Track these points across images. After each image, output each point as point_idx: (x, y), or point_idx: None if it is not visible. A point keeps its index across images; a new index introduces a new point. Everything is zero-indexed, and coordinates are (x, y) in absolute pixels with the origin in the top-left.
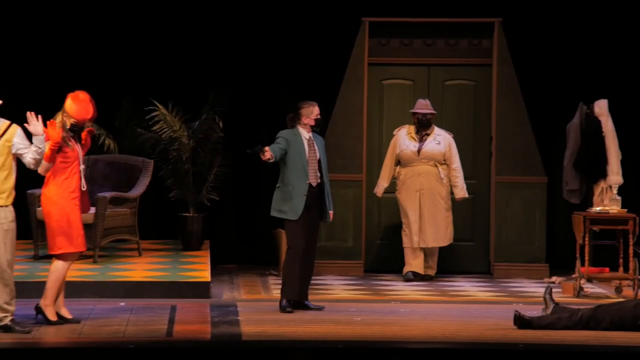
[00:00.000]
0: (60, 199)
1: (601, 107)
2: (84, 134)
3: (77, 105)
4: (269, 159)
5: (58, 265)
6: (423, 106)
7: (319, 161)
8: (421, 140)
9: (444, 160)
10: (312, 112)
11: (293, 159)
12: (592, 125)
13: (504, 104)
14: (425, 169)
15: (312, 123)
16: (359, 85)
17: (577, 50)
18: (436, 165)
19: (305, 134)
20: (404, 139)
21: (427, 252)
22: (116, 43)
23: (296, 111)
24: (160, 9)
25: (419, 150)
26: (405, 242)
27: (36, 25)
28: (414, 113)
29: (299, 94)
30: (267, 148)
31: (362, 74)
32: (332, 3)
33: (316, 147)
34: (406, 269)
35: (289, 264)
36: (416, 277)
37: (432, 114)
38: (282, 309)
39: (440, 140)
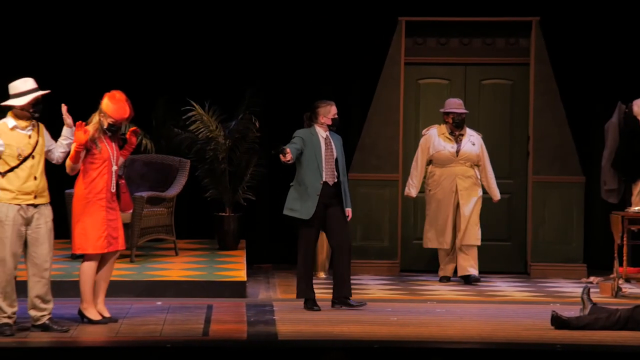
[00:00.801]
0: (84, 200)
1: None
2: (128, 134)
3: (114, 105)
4: (288, 160)
5: (83, 265)
6: (458, 105)
7: (336, 160)
8: (457, 141)
9: (478, 161)
10: (329, 111)
11: (308, 158)
12: (631, 125)
13: (541, 103)
14: (463, 170)
15: (329, 122)
16: (395, 84)
17: (616, 49)
18: (472, 167)
19: (322, 132)
20: (437, 139)
21: (466, 251)
22: (153, 43)
23: (313, 110)
24: (197, 8)
25: (457, 152)
26: (436, 243)
27: (73, 25)
28: (449, 113)
29: (335, 93)
30: (288, 150)
31: (398, 74)
32: (368, 2)
33: (333, 146)
34: (440, 273)
35: (301, 265)
36: (450, 280)
37: (466, 113)
38: (310, 308)
39: (474, 141)
